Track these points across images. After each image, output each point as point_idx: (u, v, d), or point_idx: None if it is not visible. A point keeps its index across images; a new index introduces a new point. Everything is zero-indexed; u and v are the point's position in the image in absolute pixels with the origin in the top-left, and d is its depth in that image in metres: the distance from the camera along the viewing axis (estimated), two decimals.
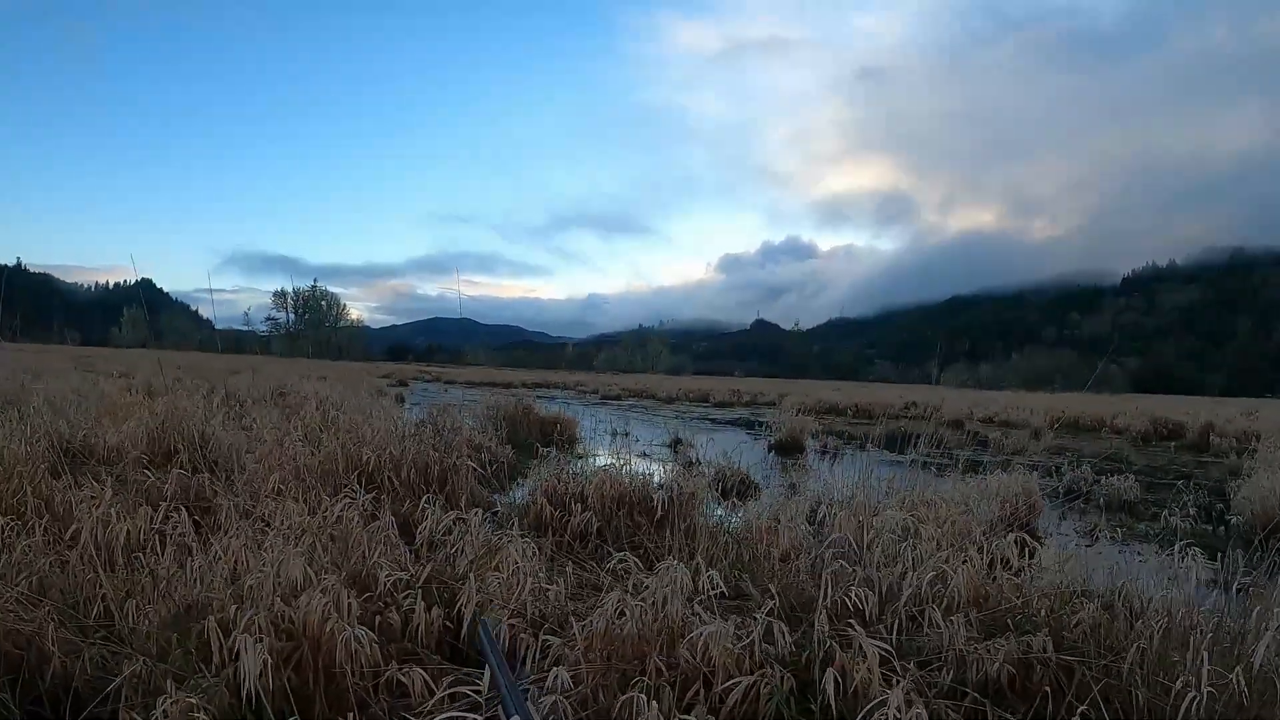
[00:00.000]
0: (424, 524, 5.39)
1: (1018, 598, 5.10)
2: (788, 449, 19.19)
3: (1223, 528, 10.81)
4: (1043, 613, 4.90)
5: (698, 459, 14.30)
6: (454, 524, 5.30)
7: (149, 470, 6.89)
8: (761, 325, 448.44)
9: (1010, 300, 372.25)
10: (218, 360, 33.52)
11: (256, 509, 5.17)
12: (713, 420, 30.65)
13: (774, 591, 4.49)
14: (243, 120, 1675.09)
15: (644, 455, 15.12)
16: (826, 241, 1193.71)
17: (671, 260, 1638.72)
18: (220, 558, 4.08)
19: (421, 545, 5.25)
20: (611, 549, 6.82)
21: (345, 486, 6.36)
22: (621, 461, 8.69)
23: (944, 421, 34.90)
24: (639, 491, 7.77)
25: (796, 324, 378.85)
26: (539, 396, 24.16)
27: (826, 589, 4.53)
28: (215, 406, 10.05)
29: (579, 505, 7.30)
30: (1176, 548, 5.75)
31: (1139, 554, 8.47)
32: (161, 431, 8.26)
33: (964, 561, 5.40)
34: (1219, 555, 6.11)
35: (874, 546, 6.32)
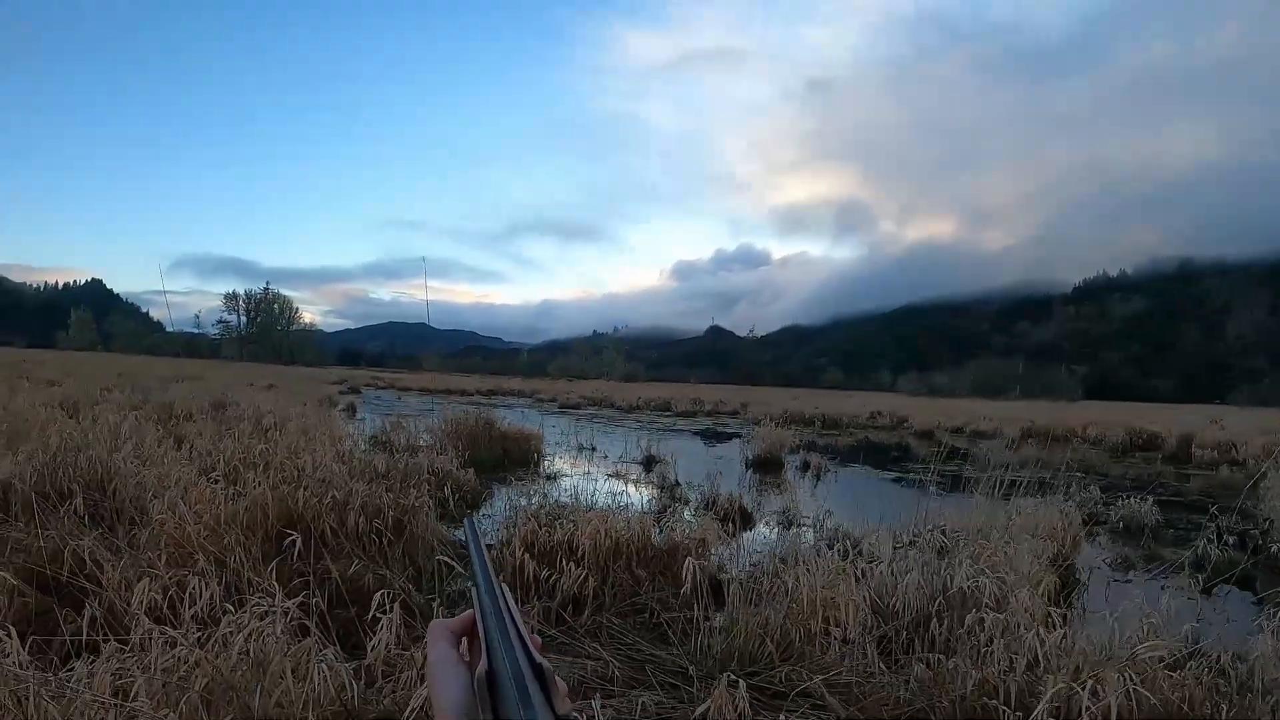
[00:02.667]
0: (377, 636, 3.73)
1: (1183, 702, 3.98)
2: (766, 465, 17.90)
3: (1254, 555, 9.82)
4: None
5: (677, 480, 13.17)
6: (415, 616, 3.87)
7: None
8: (716, 332, 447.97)
9: (961, 309, 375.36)
10: (162, 366, 32.04)
11: (134, 607, 3.61)
12: (678, 431, 29.49)
13: None
14: (197, 123, 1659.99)
15: (617, 475, 13.89)
16: (784, 249, 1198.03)
17: (626, 267, 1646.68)
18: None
19: (376, 663, 3.66)
20: (613, 618, 5.53)
21: (275, 546, 4.98)
22: (614, 504, 7.47)
23: (914, 432, 34.30)
24: (638, 539, 6.40)
25: (751, 330, 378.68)
26: (497, 405, 23.00)
27: None
28: (128, 430, 8.44)
29: (570, 561, 5.86)
30: None
31: (1183, 590, 7.38)
32: (53, 467, 6.53)
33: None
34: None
35: (949, 618, 5.14)
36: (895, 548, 6.60)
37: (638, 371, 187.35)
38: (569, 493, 8.93)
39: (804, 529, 9.87)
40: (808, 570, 5.26)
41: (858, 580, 5.37)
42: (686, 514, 8.96)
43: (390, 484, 7.26)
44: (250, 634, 3.15)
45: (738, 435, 27.91)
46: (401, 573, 5.86)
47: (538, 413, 32.82)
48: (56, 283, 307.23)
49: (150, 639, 2.98)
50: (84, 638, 3.48)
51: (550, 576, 5.72)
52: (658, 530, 6.96)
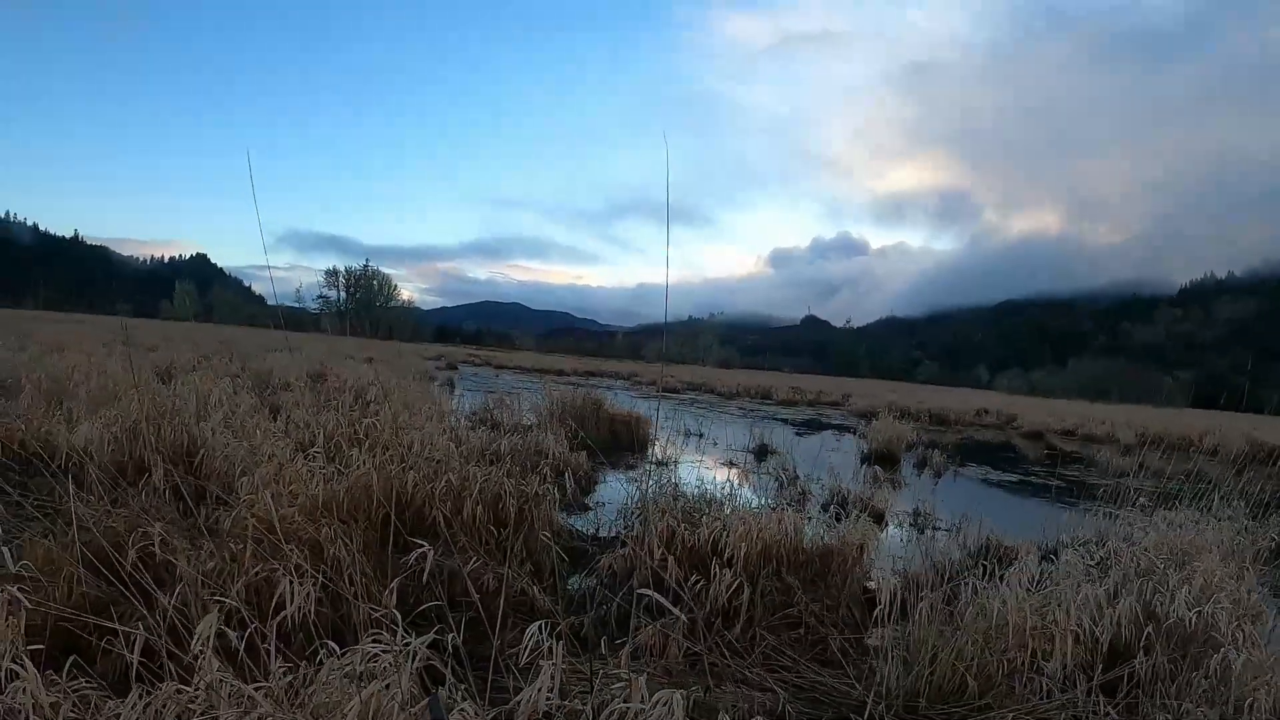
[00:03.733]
0: (534, 685, 2.54)
1: None
2: (883, 460, 16.95)
3: None
4: None
5: (796, 472, 12.29)
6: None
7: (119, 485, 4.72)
8: (812, 321, 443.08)
9: (1063, 306, 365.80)
10: (261, 336, 32.20)
11: (194, 648, 2.67)
12: (783, 420, 28.62)
13: None
14: (300, 101, 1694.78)
15: (730, 464, 13.11)
16: (883, 239, 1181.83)
17: (723, 252, 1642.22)
18: None
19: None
20: (764, 632, 4.71)
21: (380, 534, 4.22)
22: (744, 498, 6.69)
23: (1023, 432, 33.04)
24: (789, 541, 5.55)
25: (849, 321, 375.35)
26: (596, 386, 22.43)
27: None
28: (219, 397, 7.79)
29: (723, 566, 5.06)
30: None
31: None
32: (131, 436, 5.87)
33: None
34: None
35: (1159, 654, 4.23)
36: (1089, 567, 5.60)
37: (732, 357, 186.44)
38: (691, 483, 8.12)
39: (951, 535, 8.92)
40: (1010, 590, 4.37)
41: (1071, 607, 4.43)
42: (815, 511, 8.09)
43: (510, 468, 6.48)
44: (371, 694, 2.22)
45: (843, 427, 27.04)
46: (520, 568, 5.14)
47: (636, 395, 32.18)
48: (163, 256, 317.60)
49: (221, 690, 2.15)
50: (137, 663, 2.69)
51: (697, 582, 4.90)
52: (809, 531, 6.13)
